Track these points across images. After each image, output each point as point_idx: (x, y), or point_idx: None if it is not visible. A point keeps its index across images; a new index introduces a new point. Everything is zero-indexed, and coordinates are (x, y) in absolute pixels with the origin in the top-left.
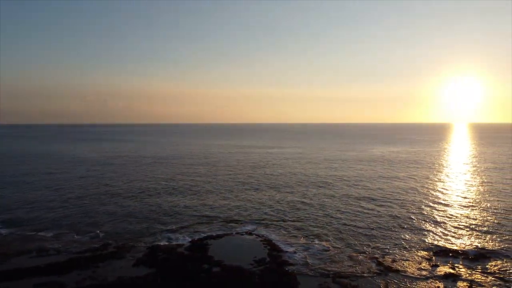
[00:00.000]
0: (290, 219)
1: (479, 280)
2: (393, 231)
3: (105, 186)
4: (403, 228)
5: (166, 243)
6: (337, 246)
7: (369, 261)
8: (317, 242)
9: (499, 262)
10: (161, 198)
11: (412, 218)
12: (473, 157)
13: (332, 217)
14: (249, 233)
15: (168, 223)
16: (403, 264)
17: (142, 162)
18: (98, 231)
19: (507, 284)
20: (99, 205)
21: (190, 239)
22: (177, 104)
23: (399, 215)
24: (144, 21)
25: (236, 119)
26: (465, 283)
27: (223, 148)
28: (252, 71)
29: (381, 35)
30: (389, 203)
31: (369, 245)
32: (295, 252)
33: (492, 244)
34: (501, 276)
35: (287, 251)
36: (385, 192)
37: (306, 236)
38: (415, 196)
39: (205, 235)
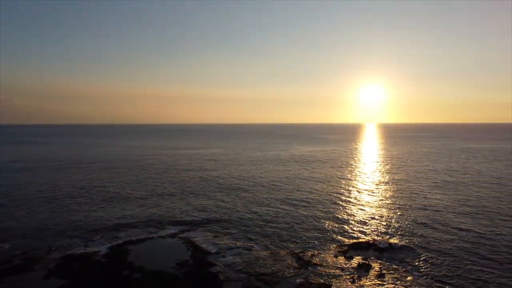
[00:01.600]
0: (213, 220)
1: (387, 268)
2: (311, 228)
3: (13, 193)
4: (320, 224)
5: (82, 252)
6: (259, 245)
7: (290, 257)
8: (240, 242)
9: (404, 251)
10: (77, 204)
11: (328, 215)
12: (381, 155)
13: (254, 217)
14: (172, 236)
15: (84, 230)
16: (321, 258)
17: (51, 167)
18: (4, 243)
19: (411, 271)
20: (4, 215)
21: (108, 246)
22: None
23: (316, 213)
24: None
25: (145, 119)
26: (375, 271)
27: (140, 149)
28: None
29: (301, 39)
30: (306, 202)
31: (289, 243)
32: (218, 253)
33: (398, 236)
34: (406, 264)
35: (210, 252)
36: (303, 191)
37: (229, 236)
38: (330, 194)
39: (125, 240)
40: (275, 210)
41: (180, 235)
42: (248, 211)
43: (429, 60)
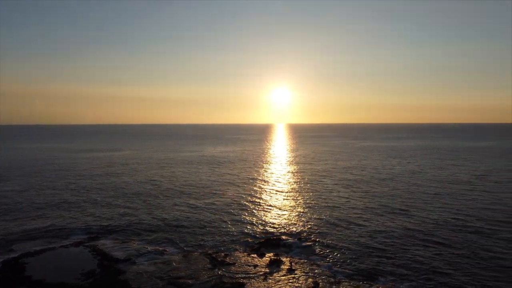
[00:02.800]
0: (121, 227)
1: (297, 262)
2: (223, 229)
3: None
4: (232, 225)
5: None
6: (172, 249)
7: (203, 259)
8: (151, 247)
9: (312, 246)
10: None
11: (239, 216)
12: (288, 154)
13: (165, 221)
14: (76, 244)
15: None
16: (235, 257)
17: None
18: None
19: (318, 264)
20: None
21: (0, 260)
22: None
23: (227, 214)
24: None
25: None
26: (286, 266)
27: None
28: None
29: (212, 40)
30: (218, 203)
31: (202, 245)
32: (128, 259)
33: (306, 232)
34: (314, 257)
35: (119, 259)
36: (214, 192)
37: (140, 242)
38: (240, 195)
39: (21, 253)
40: (186, 213)
41: (85, 244)
42: (159, 216)
43: (333, 64)
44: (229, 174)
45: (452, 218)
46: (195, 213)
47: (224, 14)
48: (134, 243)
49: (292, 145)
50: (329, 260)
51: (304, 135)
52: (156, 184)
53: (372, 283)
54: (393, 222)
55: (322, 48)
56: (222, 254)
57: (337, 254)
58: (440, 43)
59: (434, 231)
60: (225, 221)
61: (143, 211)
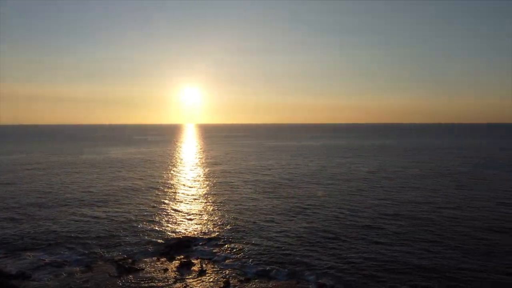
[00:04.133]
0: (10, 237)
1: (208, 263)
2: (130, 234)
3: None
4: (140, 229)
5: None
6: (72, 259)
7: (109, 267)
8: (49, 258)
9: (223, 245)
10: None
11: (147, 219)
12: (198, 155)
13: (64, 230)
14: None
15: None
16: (143, 262)
17: None
18: None
19: (230, 263)
20: None
21: None
22: None
23: (134, 218)
24: None
25: None
26: (197, 268)
27: None
28: None
29: (116, 35)
30: (124, 207)
31: (107, 252)
32: (22, 274)
33: (217, 232)
34: (225, 257)
35: (11, 275)
36: (119, 195)
37: (35, 253)
38: (149, 197)
39: None
40: (87, 222)
41: None
42: (58, 224)
43: (244, 64)
44: (134, 177)
45: (349, 214)
46: (98, 221)
47: (134, 13)
48: (29, 256)
49: (201, 146)
50: (239, 259)
51: (214, 136)
52: (52, 192)
53: (280, 280)
54: (297, 221)
55: (233, 48)
56: (130, 260)
57: (246, 253)
58: (355, 45)
59: (332, 228)
60: (131, 228)
61: (36, 222)
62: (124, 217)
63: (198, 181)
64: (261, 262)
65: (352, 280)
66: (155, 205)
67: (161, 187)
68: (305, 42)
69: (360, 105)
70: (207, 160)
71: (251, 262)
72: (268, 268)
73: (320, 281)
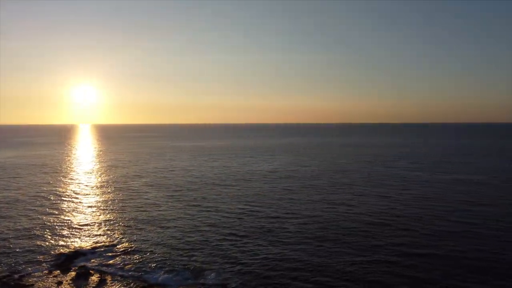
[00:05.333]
0: None
1: (107, 272)
2: (15, 246)
3: None
4: (29, 240)
5: None
6: None
7: None
8: None
9: (125, 252)
10: None
11: (38, 228)
12: (96, 157)
13: None
14: None
15: None
16: (32, 277)
17: None
18: None
19: (132, 268)
20: None
21: None
22: None
23: (23, 227)
24: None
25: None
26: (96, 277)
27: None
28: None
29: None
30: (5, 218)
31: None
32: None
33: (118, 239)
34: (126, 265)
35: None
36: (4, 202)
37: None
38: (40, 204)
39: None
40: None
41: None
42: None
43: (147, 63)
44: (19, 186)
45: (250, 210)
46: None
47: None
48: None
49: (101, 147)
50: (140, 266)
51: (114, 136)
52: None
53: (183, 283)
54: (199, 223)
55: (145, 47)
56: (16, 276)
57: (148, 260)
58: (284, 48)
59: (235, 228)
60: (17, 241)
61: None
62: (9, 230)
63: (94, 187)
64: (163, 267)
65: (256, 280)
66: (45, 215)
67: (51, 196)
68: (220, 42)
69: (272, 105)
70: (104, 164)
71: (153, 269)
72: (170, 273)
73: (222, 282)
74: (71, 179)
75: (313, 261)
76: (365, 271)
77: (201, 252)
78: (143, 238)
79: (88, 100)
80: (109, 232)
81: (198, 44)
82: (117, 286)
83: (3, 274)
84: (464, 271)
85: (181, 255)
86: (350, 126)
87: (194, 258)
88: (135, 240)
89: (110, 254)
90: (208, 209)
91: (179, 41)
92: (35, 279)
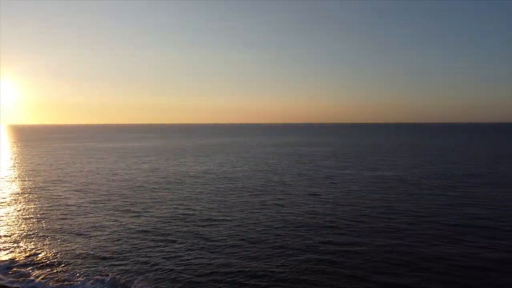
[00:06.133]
0: None
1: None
2: None
3: None
4: None
5: None
6: None
7: None
8: None
9: (45, 267)
10: None
11: None
12: (12, 162)
13: None
14: None
15: None
16: None
17: None
18: None
19: (89, 283)
20: None
21: None
22: None
23: None
24: None
25: None
26: None
27: None
28: None
29: None
30: None
31: None
32: None
33: (36, 249)
34: (45, 281)
35: None
36: None
37: None
38: None
39: None
40: None
41: None
42: None
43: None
44: None
45: (181, 214)
46: None
47: None
48: None
49: (14, 151)
50: (64, 276)
51: (35, 138)
52: None
53: None
54: (128, 225)
55: (73, 44)
56: None
57: (73, 269)
58: (201, 46)
59: (165, 229)
60: None
61: None
62: None
63: (9, 195)
64: (89, 278)
65: (187, 286)
66: None
67: None
68: (158, 40)
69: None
70: (21, 169)
71: (79, 280)
72: (97, 284)
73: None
74: None
75: (247, 265)
76: (297, 271)
77: (130, 260)
78: (66, 249)
79: (5, 98)
80: (28, 244)
81: (130, 43)
82: None
83: None
84: (388, 265)
85: (109, 264)
86: (286, 126)
87: (122, 266)
88: (58, 251)
89: (30, 268)
90: (138, 214)
91: (112, 39)
92: None
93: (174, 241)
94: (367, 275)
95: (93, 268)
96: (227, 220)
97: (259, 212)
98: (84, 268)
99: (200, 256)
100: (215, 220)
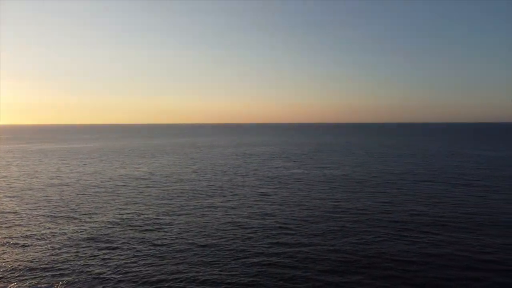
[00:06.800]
0: None
1: None
2: None
3: None
4: None
5: None
6: None
7: None
8: None
9: None
10: None
11: None
12: None
13: None
14: None
15: None
16: None
17: None
18: None
19: None
20: None
21: None
22: None
23: None
24: None
25: None
26: None
27: None
28: None
29: None
30: None
31: None
32: None
33: None
34: None
35: None
36: None
37: None
38: None
39: None
40: None
41: None
42: None
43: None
44: None
45: (126, 218)
46: None
47: None
48: None
49: None
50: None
51: None
52: None
53: None
54: (69, 233)
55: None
56: None
57: (7, 282)
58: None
59: (105, 234)
60: None
61: None
62: None
63: None
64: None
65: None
66: None
67: None
68: (98, 39)
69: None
70: None
71: None
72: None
73: None
74: None
75: (197, 270)
76: (248, 274)
77: (73, 270)
78: (1, 261)
79: None
80: None
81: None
82: None
83: None
84: (336, 264)
85: (49, 275)
86: (240, 126)
87: (65, 277)
88: None
89: None
90: (80, 220)
91: (45, 37)
92: None
93: (119, 248)
94: (316, 275)
95: (32, 281)
96: (174, 224)
97: (207, 215)
98: (21, 281)
99: (148, 263)
100: (162, 224)
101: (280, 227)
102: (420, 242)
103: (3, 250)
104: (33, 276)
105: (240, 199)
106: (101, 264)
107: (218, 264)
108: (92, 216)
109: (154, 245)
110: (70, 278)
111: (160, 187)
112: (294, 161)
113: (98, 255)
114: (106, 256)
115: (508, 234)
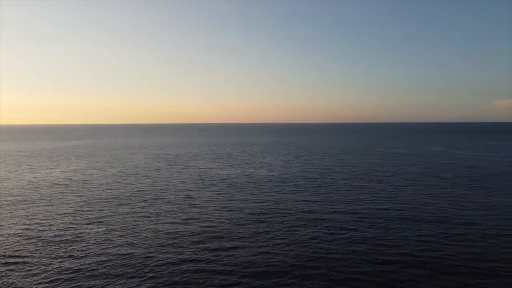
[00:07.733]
0: None
1: None
2: None
3: None
4: None
5: None
6: None
7: None
8: None
9: None
10: None
11: None
12: None
13: None
14: None
15: None
16: None
17: None
18: None
19: None
20: None
21: None
22: None
23: None
24: None
25: None
26: None
27: None
28: None
29: None
30: None
31: None
32: None
33: None
34: None
35: None
36: None
37: None
38: None
39: None
40: None
41: None
42: None
43: None
44: None
45: (35, 230)
46: None
47: None
48: None
49: None
50: None
51: None
52: None
53: None
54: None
55: None
56: None
57: None
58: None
59: (11, 248)
60: None
61: None
62: None
63: None
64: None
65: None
66: None
67: None
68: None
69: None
70: None
71: None
72: None
73: None
74: None
75: (118, 283)
76: (175, 282)
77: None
78: None
79: None
80: None
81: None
82: None
83: None
84: (260, 266)
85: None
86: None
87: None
88: None
89: None
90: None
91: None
92: None
93: (26, 263)
94: (241, 278)
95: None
96: (91, 234)
97: (129, 222)
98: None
99: (62, 277)
100: (78, 236)
101: (206, 231)
102: (341, 239)
103: None
104: None
105: (163, 204)
106: (10, 283)
107: (142, 273)
108: None
109: (67, 257)
110: None
111: (73, 193)
112: (218, 162)
113: (5, 271)
114: (13, 273)
115: (416, 227)
